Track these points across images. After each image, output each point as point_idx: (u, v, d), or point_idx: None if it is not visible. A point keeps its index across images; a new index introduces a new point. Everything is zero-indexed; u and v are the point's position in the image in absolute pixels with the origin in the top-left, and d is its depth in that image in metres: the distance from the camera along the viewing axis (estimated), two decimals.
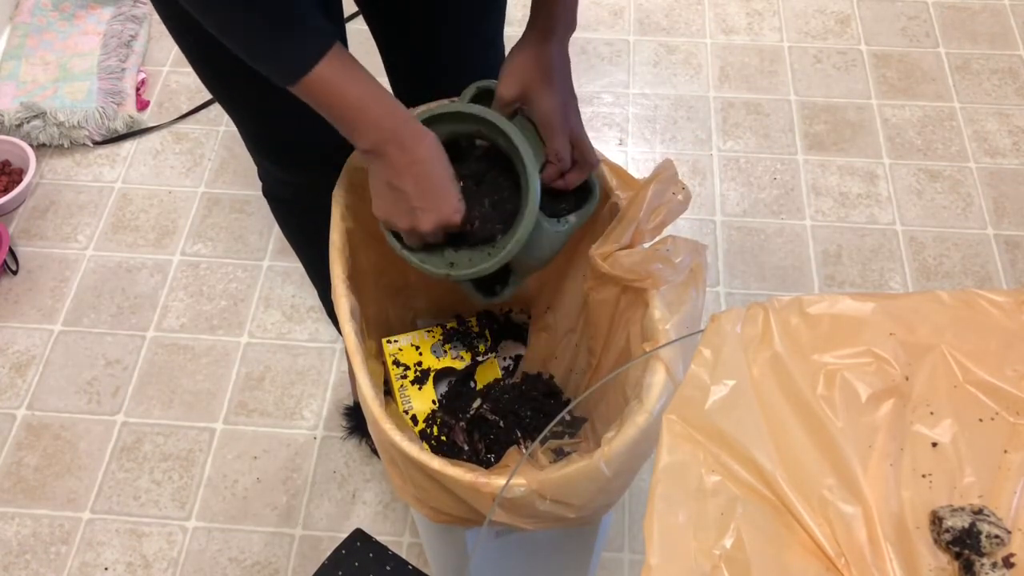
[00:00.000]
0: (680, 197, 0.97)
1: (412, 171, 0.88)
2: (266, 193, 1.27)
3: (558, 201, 1.00)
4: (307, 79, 0.81)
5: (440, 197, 0.90)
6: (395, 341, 1.21)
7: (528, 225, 0.91)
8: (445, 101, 0.99)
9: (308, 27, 0.81)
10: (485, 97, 0.99)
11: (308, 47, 0.81)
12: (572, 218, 0.99)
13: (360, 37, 1.22)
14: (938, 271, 1.77)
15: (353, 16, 1.49)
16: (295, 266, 1.77)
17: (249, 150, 1.18)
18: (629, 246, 0.98)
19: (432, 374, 1.18)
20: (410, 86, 1.22)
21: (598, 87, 2.07)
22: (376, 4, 1.11)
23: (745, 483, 0.63)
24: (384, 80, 1.23)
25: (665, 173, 0.97)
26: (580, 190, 1.00)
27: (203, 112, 2.03)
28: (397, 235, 0.96)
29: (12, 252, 1.79)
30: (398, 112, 0.87)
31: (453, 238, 0.97)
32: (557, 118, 0.95)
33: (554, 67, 0.94)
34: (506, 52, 1.23)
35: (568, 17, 0.95)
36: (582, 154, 0.97)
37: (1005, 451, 0.65)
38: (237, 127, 1.13)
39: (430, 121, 0.94)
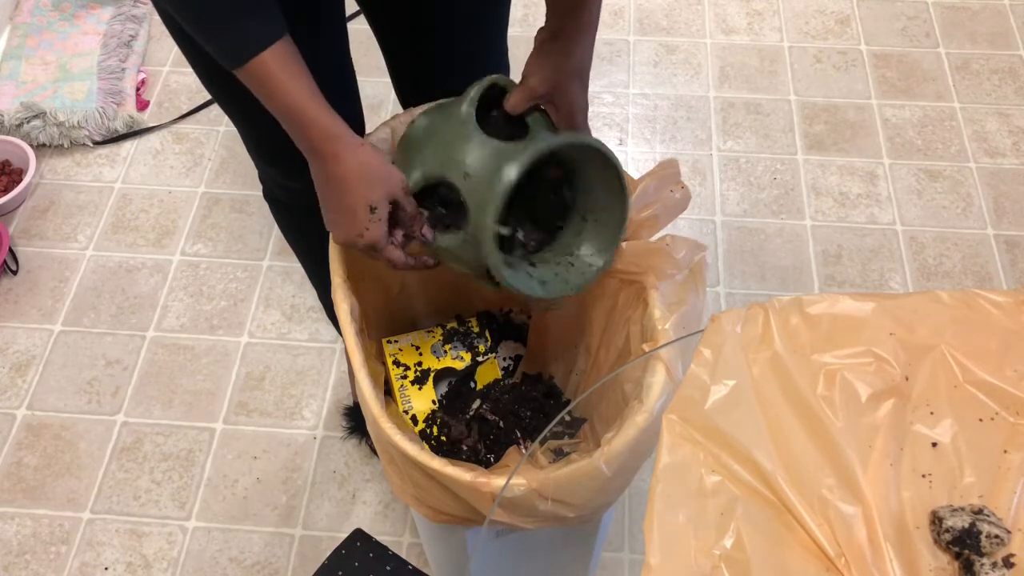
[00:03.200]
0: (678, 196, 0.97)
1: (329, 186, 0.89)
2: (266, 196, 1.27)
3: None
4: (249, 66, 0.82)
5: (348, 216, 0.90)
6: (395, 341, 1.21)
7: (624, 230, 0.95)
8: (589, 138, 0.95)
9: (259, 15, 0.82)
10: (495, 96, 0.97)
11: (256, 34, 0.81)
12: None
13: (361, 37, 1.22)
14: (938, 271, 1.77)
15: (354, 15, 1.49)
16: (295, 266, 1.77)
17: (250, 154, 1.18)
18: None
19: (432, 374, 1.18)
20: (412, 85, 1.22)
21: (598, 87, 2.07)
22: (377, 3, 1.11)
23: (745, 483, 0.63)
24: (386, 79, 1.23)
25: (665, 171, 0.97)
26: None
27: (203, 112, 2.03)
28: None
29: (12, 252, 1.79)
30: (328, 123, 0.87)
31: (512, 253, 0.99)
32: (581, 117, 0.97)
33: (586, 68, 0.96)
34: (508, 51, 1.24)
35: (597, 16, 0.95)
36: None
37: (1005, 451, 0.65)
38: (238, 131, 1.13)
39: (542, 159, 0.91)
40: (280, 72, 0.83)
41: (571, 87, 0.95)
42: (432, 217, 0.96)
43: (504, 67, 1.23)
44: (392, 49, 1.18)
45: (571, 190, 1.00)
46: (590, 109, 2.01)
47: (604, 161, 0.92)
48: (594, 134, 2.10)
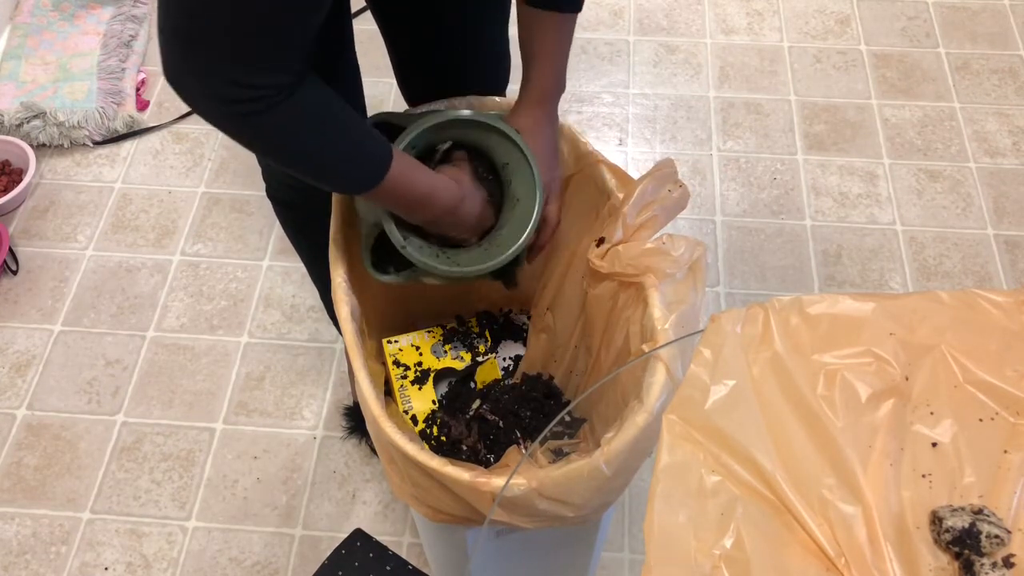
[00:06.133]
0: (676, 195, 0.97)
1: (460, 225, 0.99)
2: (270, 195, 1.27)
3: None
4: (383, 183, 0.87)
5: (481, 222, 1.02)
6: (395, 341, 1.21)
7: (534, 228, 1.01)
8: (464, 111, 1.02)
9: (377, 139, 0.87)
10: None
11: (383, 157, 0.87)
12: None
13: (361, 37, 1.22)
14: (938, 271, 1.77)
15: (360, 12, 1.49)
16: (295, 266, 1.77)
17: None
18: (623, 242, 0.98)
19: (432, 374, 1.18)
20: (416, 80, 1.22)
21: (598, 87, 2.07)
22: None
23: (745, 483, 0.63)
24: (385, 79, 1.23)
25: (662, 170, 0.97)
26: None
27: None
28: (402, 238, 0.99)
29: (12, 252, 1.79)
30: (446, 189, 0.95)
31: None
32: (554, 188, 1.04)
33: (548, 140, 1.04)
34: (508, 50, 1.24)
35: (558, 84, 1.04)
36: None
37: (1005, 451, 0.65)
38: None
39: (442, 126, 0.98)
40: (403, 177, 0.89)
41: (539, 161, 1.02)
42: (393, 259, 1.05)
43: (506, 59, 1.23)
44: (396, 45, 1.18)
45: (507, 175, 1.04)
46: (590, 109, 2.02)
47: (515, 145, 1.00)
48: (594, 134, 2.10)
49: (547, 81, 1.02)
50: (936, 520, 0.62)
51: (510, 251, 1.00)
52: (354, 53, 1.12)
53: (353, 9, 1.10)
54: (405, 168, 0.90)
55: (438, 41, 1.15)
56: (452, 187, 0.96)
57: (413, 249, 0.97)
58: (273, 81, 0.74)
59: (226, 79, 0.72)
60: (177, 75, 0.73)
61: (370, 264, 1.04)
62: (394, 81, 1.26)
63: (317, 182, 0.87)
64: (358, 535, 1.02)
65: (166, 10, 0.70)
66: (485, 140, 1.01)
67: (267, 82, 0.73)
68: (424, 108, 1.10)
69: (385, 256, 1.05)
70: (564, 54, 1.03)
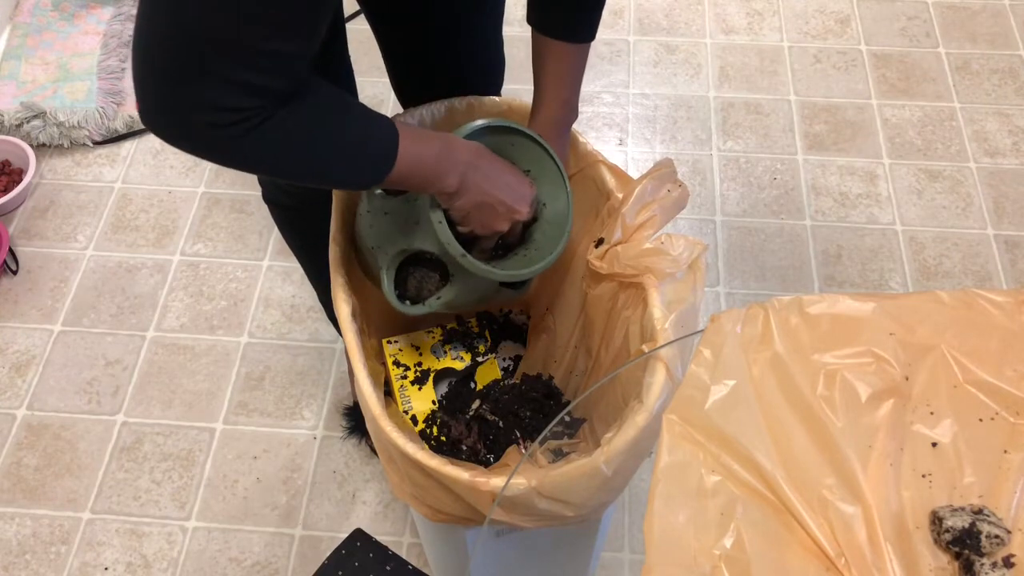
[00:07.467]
0: (675, 195, 0.97)
1: (492, 182, 0.91)
2: (266, 198, 1.27)
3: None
4: (397, 163, 0.82)
5: (519, 185, 0.95)
6: (395, 342, 1.21)
7: (567, 237, 1.00)
8: (480, 121, 0.98)
9: (378, 126, 0.81)
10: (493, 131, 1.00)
11: (388, 142, 0.81)
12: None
13: (360, 37, 1.22)
14: (938, 271, 1.77)
15: (353, 16, 1.50)
16: (295, 266, 1.77)
17: None
18: (622, 242, 0.98)
19: (432, 374, 1.18)
20: (410, 81, 1.22)
21: (598, 87, 2.07)
22: (376, 1, 1.11)
23: (745, 483, 0.63)
24: (386, 79, 1.23)
25: (661, 170, 0.97)
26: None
27: None
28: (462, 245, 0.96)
29: (12, 252, 1.79)
30: (458, 145, 0.89)
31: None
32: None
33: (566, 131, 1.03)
34: (504, 51, 1.24)
35: (567, 114, 1.02)
36: None
37: (1005, 451, 0.65)
38: None
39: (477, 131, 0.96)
40: (415, 148, 0.83)
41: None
42: (421, 282, 1.04)
43: (500, 60, 1.23)
44: (389, 46, 1.18)
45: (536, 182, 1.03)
46: (590, 109, 2.02)
47: (538, 146, 0.98)
48: (594, 134, 2.10)
49: (554, 111, 1.01)
50: (936, 520, 0.62)
51: (555, 251, 0.99)
52: (347, 55, 1.12)
53: (349, 12, 1.10)
54: (413, 139, 0.83)
55: (431, 42, 1.14)
56: (461, 148, 0.90)
57: (471, 258, 0.94)
58: (250, 103, 0.70)
59: (199, 103, 0.68)
60: (148, 109, 0.69)
61: (395, 296, 1.02)
62: None
63: (325, 187, 0.84)
64: (358, 535, 1.02)
65: (141, 39, 0.66)
66: (505, 149, 0.99)
67: (245, 104, 0.69)
68: (424, 108, 1.10)
69: (403, 286, 1.05)
70: (575, 83, 1.01)
